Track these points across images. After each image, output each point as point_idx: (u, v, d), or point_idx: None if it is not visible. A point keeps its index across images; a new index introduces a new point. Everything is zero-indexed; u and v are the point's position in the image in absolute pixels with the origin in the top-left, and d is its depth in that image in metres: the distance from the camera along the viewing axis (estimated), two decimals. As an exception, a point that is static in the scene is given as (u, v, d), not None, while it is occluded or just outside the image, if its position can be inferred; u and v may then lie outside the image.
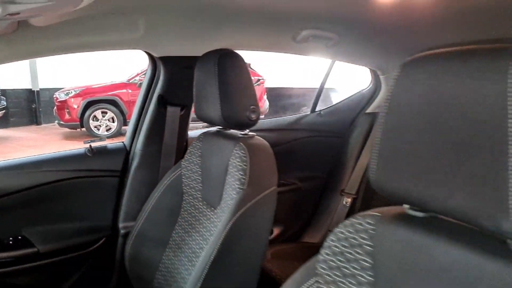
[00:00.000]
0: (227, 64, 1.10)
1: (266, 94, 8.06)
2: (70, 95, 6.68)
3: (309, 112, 2.09)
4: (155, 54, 1.39)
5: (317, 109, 2.09)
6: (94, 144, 1.47)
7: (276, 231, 1.99)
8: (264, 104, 7.85)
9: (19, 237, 1.33)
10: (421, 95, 0.51)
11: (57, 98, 6.78)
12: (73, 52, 1.16)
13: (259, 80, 7.64)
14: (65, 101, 6.66)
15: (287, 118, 2.05)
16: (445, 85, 0.48)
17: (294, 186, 2.00)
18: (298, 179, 2.02)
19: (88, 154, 1.45)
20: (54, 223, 1.39)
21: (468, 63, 0.46)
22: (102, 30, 1.12)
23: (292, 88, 10.04)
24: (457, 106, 0.46)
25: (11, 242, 1.31)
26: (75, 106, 6.63)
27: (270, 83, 8.39)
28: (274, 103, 8.62)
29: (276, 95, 8.92)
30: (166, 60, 1.41)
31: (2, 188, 1.28)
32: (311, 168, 2.06)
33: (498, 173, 0.42)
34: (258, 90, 7.68)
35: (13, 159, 1.37)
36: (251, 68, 7.59)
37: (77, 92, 6.71)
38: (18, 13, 0.57)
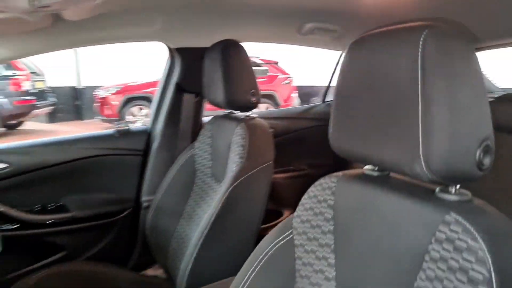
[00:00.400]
0: (230, 53, 1.26)
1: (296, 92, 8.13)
2: (110, 93, 7.11)
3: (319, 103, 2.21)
4: (171, 46, 1.57)
5: (327, 100, 2.20)
6: (121, 127, 1.68)
7: (286, 213, 2.13)
8: (294, 102, 7.94)
9: (58, 204, 1.56)
10: (361, 68, 0.62)
11: (98, 95, 7.24)
12: (99, 44, 1.37)
13: (287, 78, 7.74)
14: (105, 98, 7.10)
15: (299, 107, 2.18)
16: (377, 58, 0.58)
17: (303, 172, 2.12)
18: (307, 165, 2.14)
19: (116, 135, 1.67)
20: (87, 193, 1.61)
21: (392, 39, 0.57)
22: (124, 25, 1.31)
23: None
24: (385, 76, 0.56)
25: (52, 208, 1.54)
26: (115, 103, 7.05)
27: (299, 81, 8.44)
28: (304, 102, 8.68)
29: (304, 94, 8.97)
30: (181, 51, 1.59)
31: (45, 161, 1.51)
32: (320, 155, 2.17)
33: (413, 128, 0.52)
34: (286, 89, 7.77)
35: (54, 137, 1.60)
36: (279, 67, 7.70)
37: (116, 90, 7.13)
38: (48, 6, 0.75)
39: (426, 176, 0.52)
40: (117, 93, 7.10)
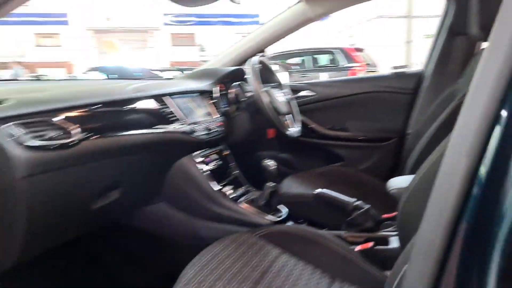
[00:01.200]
0: None
1: None
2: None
3: None
4: None
5: None
6: (397, 70, 2.01)
7: None
8: None
9: (343, 127, 2.10)
10: None
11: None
12: (352, 5, 1.76)
13: None
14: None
15: None
16: None
17: None
18: None
19: (392, 77, 2.02)
20: (363, 120, 2.06)
21: None
22: None
23: None
24: None
25: (338, 128, 2.10)
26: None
27: None
28: None
29: None
30: None
31: (339, 92, 2.08)
32: None
33: None
34: None
35: (346, 77, 2.16)
36: None
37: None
38: None
39: None
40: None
